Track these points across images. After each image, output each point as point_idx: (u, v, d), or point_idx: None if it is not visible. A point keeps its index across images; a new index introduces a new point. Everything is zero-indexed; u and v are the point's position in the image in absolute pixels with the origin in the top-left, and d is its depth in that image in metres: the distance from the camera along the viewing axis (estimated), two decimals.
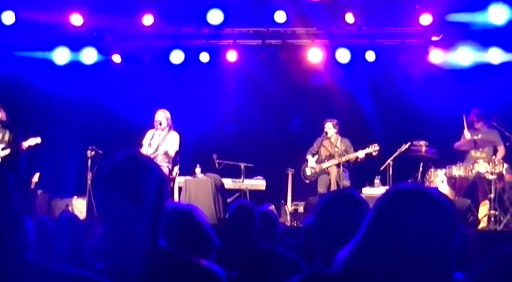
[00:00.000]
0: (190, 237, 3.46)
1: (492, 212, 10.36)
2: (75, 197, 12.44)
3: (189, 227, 3.52)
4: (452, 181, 11.20)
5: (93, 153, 11.99)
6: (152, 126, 11.64)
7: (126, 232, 2.44)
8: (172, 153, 11.48)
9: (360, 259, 2.22)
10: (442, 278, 2.18)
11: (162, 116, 11.59)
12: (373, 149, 11.85)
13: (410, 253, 2.14)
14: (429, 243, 2.15)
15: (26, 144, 11.40)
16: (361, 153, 11.90)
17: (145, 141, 11.56)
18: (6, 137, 11.51)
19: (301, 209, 12.53)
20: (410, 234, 2.15)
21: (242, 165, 12.75)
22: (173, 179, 11.74)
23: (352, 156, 11.92)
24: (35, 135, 11.46)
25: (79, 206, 12.23)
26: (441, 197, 2.26)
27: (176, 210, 3.57)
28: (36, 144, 11.47)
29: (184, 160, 12.17)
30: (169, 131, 11.63)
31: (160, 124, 11.51)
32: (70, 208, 12.03)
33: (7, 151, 11.36)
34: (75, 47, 13.22)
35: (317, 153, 12.36)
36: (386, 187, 11.48)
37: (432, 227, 2.17)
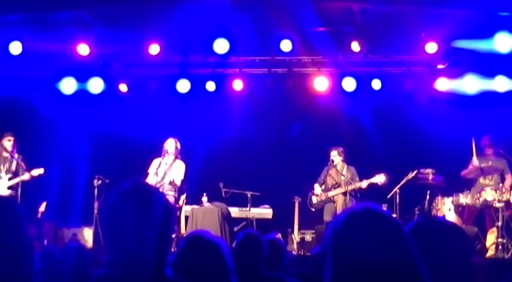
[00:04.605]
0: (211, 270, 3.41)
1: (500, 240, 10.29)
2: (82, 226, 12.42)
3: (212, 260, 3.46)
4: (459, 209, 11.15)
5: (99, 182, 11.99)
6: (159, 155, 11.65)
7: (132, 261, 2.44)
8: (178, 183, 11.48)
9: None
10: None
11: (172, 144, 11.61)
12: (379, 179, 11.80)
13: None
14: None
15: (29, 174, 11.45)
16: (364, 184, 11.88)
17: (152, 170, 11.56)
18: (13, 167, 11.56)
19: (308, 237, 12.48)
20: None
21: (249, 193, 12.72)
22: (180, 208, 11.72)
23: (356, 185, 11.90)
24: (38, 166, 11.52)
25: (86, 236, 12.22)
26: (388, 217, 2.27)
27: (202, 239, 3.52)
28: (39, 175, 11.52)
29: (191, 189, 12.16)
30: (175, 159, 11.63)
31: (167, 152, 11.52)
32: (77, 237, 12.01)
33: (16, 180, 11.40)
34: (82, 77, 13.29)
35: (324, 182, 12.33)
36: (394, 215, 11.44)
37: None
